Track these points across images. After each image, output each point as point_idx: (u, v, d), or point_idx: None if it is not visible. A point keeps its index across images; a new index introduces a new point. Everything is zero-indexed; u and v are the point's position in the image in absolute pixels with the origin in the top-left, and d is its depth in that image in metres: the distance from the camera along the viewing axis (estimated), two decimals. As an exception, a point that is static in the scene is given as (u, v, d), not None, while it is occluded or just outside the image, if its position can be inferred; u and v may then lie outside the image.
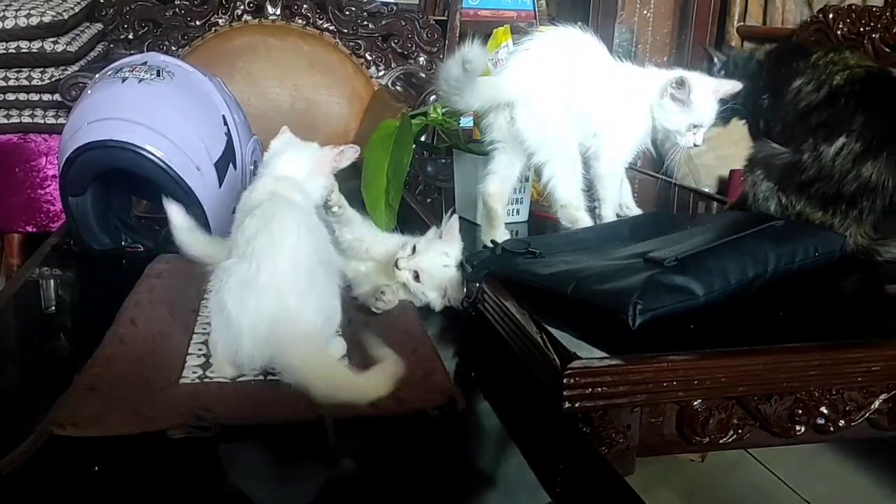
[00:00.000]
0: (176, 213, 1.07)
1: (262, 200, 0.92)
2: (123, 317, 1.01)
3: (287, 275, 0.83)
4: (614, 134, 1.24)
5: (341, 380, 0.79)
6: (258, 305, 0.82)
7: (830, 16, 2.56)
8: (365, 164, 1.30)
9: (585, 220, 1.22)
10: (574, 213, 1.21)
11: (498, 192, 1.24)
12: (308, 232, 0.89)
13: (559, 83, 1.18)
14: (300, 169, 1.01)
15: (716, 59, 1.36)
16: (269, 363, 0.83)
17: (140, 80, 1.24)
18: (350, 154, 1.04)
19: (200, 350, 0.93)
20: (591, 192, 1.27)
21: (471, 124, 1.51)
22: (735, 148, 2.29)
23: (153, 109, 1.22)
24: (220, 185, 1.25)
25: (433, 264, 1.07)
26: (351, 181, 1.46)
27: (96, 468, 0.71)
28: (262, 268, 0.83)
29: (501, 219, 1.25)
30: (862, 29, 2.47)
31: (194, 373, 0.88)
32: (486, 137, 1.23)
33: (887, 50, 2.40)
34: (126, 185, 1.34)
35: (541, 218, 1.41)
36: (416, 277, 1.06)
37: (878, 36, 2.42)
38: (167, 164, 1.20)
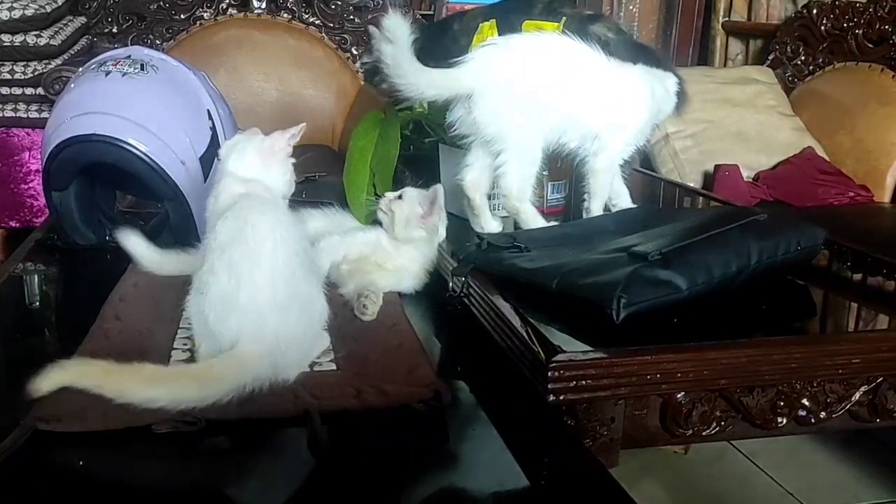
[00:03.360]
0: (135, 244, 1.10)
1: (230, 203, 0.91)
2: (108, 312, 1.01)
3: (266, 293, 0.82)
4: (613, 133, 1.25)
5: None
6: (239, 326, 0.81)
7: (814, 11, 2.57)
8: (348, 154, 1.30)
9: (528, 211, 1.23)
10: (515, 203, 1.22)
11: (475, 182, 1.25)
12: (284, 234, 0.87)
13: (522, 81, 1.19)
14: (250, 166, 0.98)
15: None
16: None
17: (124, 74, 1.23)
18: (297, 132, 1.01)
19: (185, 345, 0.93)
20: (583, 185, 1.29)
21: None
22: (720, 143, 2.31)
23: (137, 103, 1.21)
24: (206, 180, 1.24)
25: (409, 191, 1.14)
26: (332, 177, 1.46)
27: (81, 463, 0.71)
28: (241, 285, 0.82)
29: (483, 207, 1.27)
30: (845, 24, 2.49)
31: (179, 367, 0.88)
32: (456, 131, 1.24)
33: (870, 45, 2.42)
34: (110, 179, 1.33)
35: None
36: (400, 196, 1.12)
37: (861, 32, 2.44)
38: (151, 159, 1.19)
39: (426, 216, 1.12)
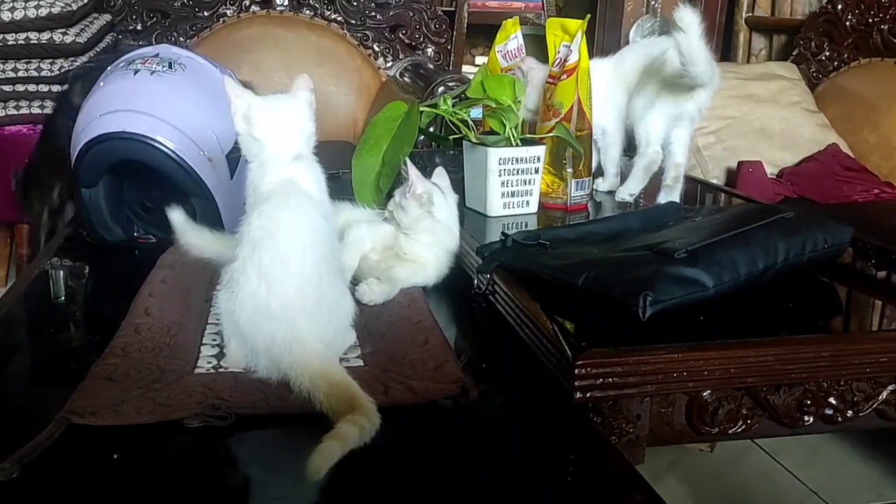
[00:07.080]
0: (177, 218, 1.07)
1: (273, 190, 0.88)
2: (138, 307, 1.02)
3: (297, 300, 0.83)
4: None
5: (345, 403, 0.78)
6: (272, 331, 0.82)
7: (839, 6, 2.55)
8: (364, 137, 1.31)
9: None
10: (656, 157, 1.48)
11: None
12: (315, 237, 0.87)
13: None
14: (300, 137, 0.91)
15: None
16: (283, 378, 0.83)
17: (152, 72, 1.24)
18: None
19: (214, 340, 0.94)
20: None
21: (480, 116, 1.51)
22: (743, 140, 2.29)
23: (165, 101, 1.22)
24: (232, 177, 1.26)
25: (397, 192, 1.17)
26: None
27: (115, 456, 0.72)
28: (271, 292, 0.83)
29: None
30: (871, 20, 2.46)
31: (209, 363, 0.89)
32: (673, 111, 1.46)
33: (895, 40, 2.39)
34: (138, 176, 1.34)
35: (550, 209, 1.42)
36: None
37: (886, 27, 2.41)
38: (179, 156, 1.21)
39: (411, 190, 1.12)
